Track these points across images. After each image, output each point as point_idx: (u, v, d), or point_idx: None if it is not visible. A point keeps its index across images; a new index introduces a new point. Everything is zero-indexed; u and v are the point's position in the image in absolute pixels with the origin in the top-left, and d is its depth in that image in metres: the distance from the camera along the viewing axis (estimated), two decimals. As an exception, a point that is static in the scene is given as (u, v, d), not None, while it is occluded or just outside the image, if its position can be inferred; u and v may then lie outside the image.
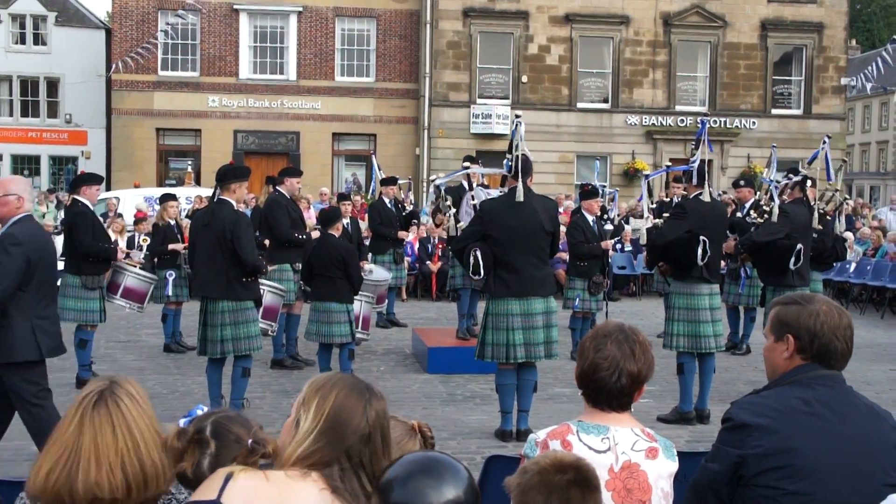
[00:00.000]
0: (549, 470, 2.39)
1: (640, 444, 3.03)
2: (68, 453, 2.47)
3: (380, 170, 15.11)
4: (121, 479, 2.46)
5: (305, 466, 2.24)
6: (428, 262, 17.46)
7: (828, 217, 11.02)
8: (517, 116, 8.07)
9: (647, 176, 13.05)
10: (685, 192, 9.52)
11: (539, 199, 7.87)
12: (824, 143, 11.18)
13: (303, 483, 2.21)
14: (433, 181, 11.22)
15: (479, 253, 7.55)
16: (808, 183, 10.50)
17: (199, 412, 2.75)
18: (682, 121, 29.42)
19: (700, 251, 8.22)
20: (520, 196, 7.60)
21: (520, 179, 7.67)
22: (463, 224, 9.30)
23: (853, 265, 16.96)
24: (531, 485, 2.39)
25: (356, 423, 2.32)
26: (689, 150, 10.33)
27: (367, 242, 13.92)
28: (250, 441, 2.42)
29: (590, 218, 11.45)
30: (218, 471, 2.21)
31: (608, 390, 3.04)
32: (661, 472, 3.03)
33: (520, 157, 7.73)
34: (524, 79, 29.06)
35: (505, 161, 8.03)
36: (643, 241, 9.11)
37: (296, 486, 2.18)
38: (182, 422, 2.73)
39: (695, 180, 8.65)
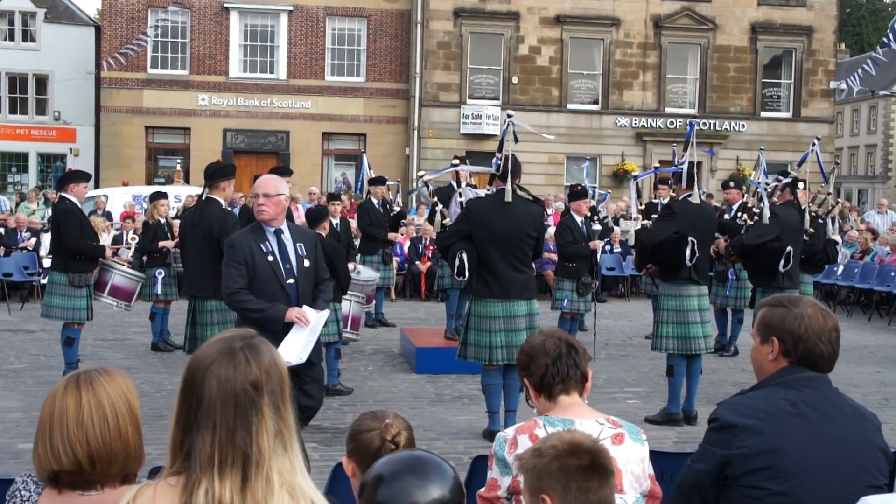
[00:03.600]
0: (566, 454, 2.36)
1: (605, 431, 3.16)
2: (42, 431, 2.53)
3: (370, 169, 15.09)
4: (82, 452, 2.48)
5: (180, 461, 2.08)
6: (417, 263, 17.45)
7: (819, 220, 11.05)
8: (509, 116, 8.07)
9: (635, 177, 13.08)
10: (674, 194, 9.54)
11: (525, 203, 7.86)
12: (814, 144, 11.22)
13: (173, 490, 2.06)
14: (421, 177, 11.22)
15: (464, 255, 7.57)
16: (801, 185, 10.54)
17: None
18: (672, 123, 29.48)
19: (688, 252, 8.24)
20: (508, 196, 7.61)
21: (508, 180, 7.67)
22: (449, 222, 9.30)
23: (841, 268, 17.01)
24: (549, 470, 2.36)
25: (208, 403, 2.04)
26: (675, 152, 10.37)
27: (356, 243, 13.89)
28: None
29: (578, 219, 11.46)
30: (122, 499, 2.13)
31: (568, 365, 3.30)
32: (630, 456, 3.13)
33: (509, 157, 7.73)
34: (514, 80, 29.09)
35: (494, 160, 8.03)
36: (631, 242, 9.13)
37: (171, 497, 2.05)
38: None
39: (684, 182, 8.67)
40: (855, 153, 57.62)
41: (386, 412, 3.04)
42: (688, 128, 9.28)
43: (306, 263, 6.15)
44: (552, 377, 3.29)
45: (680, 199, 8.73)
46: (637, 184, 11.94)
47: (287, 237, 6.13)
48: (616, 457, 2.97)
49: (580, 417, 3.20)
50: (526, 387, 3.40)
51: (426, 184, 11.40)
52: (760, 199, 9.97)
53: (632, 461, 3.13)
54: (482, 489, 3.22)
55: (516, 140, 7.94)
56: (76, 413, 2.50)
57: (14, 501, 2.62)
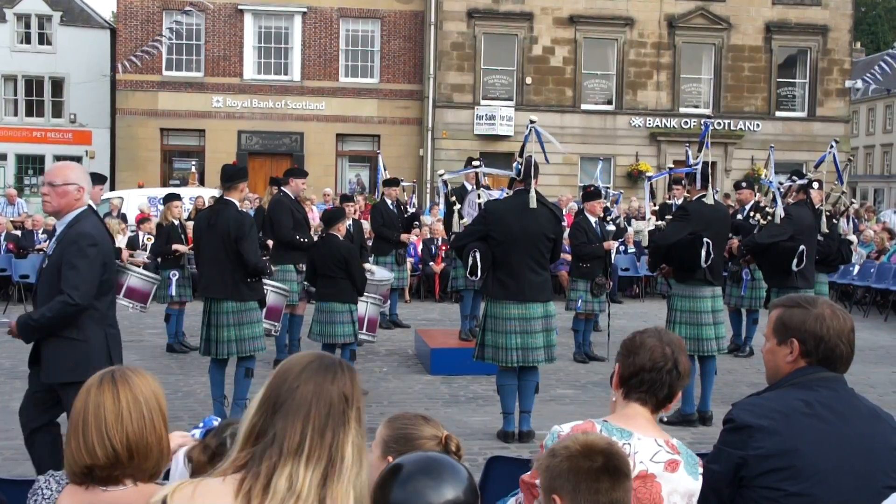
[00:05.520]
0: (579, 455, 2.36)
1: (660, 455, 2.94)
2: (75, 426, 2.58)
3: (385, 169, 15.10)
4: (120, 445, 2.54)
5: (252, 446, 2.09)
6: (431, 264, 17.45)
7: (834, 220, 11.01)
8: (531, 122, 8.06)
9: (649, 178, 13.05)
10: (687, 195, 9.52)
11: (544, 205, 7.86)
12: (832, 146, 11.18)
13: (229, 486, 2.05)
14: (441, 175, 11.23)
15: (477, 254, 7.57)
16: (816, 185, 10.51)
17: (215, 423, 2.77)
18: (686, 123, 29.40)
19: (703, 253, 8.22)
20: (532, 203, 7.60)
21: (533, 185, 7.66)
22: (466, 221, 9.32)
23: (857, 268, 16.93)
24: (560, 471, 2.36)
25: (284, 393, 2.10)
26: (689, 153, 10.42)
27: (369, 244, 13.92)
28: None
29: (592, 219, 11.45)
30: (153, 498, 2.11)
31: (661, 382, 3.01)
32: (677, 486, 2.92)
33: (531, 159, 7.73)
34: (528, 80, 29.07)
35: (515, 165, 8.04)
36: (644, 242, 9.10)
37: (222, 492, 2.04)
38: (196, 433, 2.74)
39: (698, 183, 8.65)
40: (871, 152, 57.31)
41: (430, 417, 2.92)
42: (702, 128, 9.26)
43: (44, 264, 5.44)
44: (639, 383, 3.05)
45: (694, 199, 8.71)
46: (651, 184, 11.90)
47: (57, 234, 5.44)
48: (662, 484, 2.89)
49: (640, 432, 2.97)
50: (615, 369, 3.15)
51: (445, 183, 11.43)
52: (774, 200, 9.94)
53: (677, 492, 2.92)
54: (526, 474, 3.12)
55: (543, 147, 7.94)
56: (114, 407, 2.56)
57: (35, 499, 2.66)
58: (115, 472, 2.56)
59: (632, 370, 3.04)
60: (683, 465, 2.96)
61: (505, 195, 9.33)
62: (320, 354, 2.20)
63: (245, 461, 2.07)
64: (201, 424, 2.78)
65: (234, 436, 2.55)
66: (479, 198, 9.49)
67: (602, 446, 2.40)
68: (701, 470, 3.03)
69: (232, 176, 8.30)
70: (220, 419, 2.85)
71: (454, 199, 10.46)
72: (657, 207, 12.67)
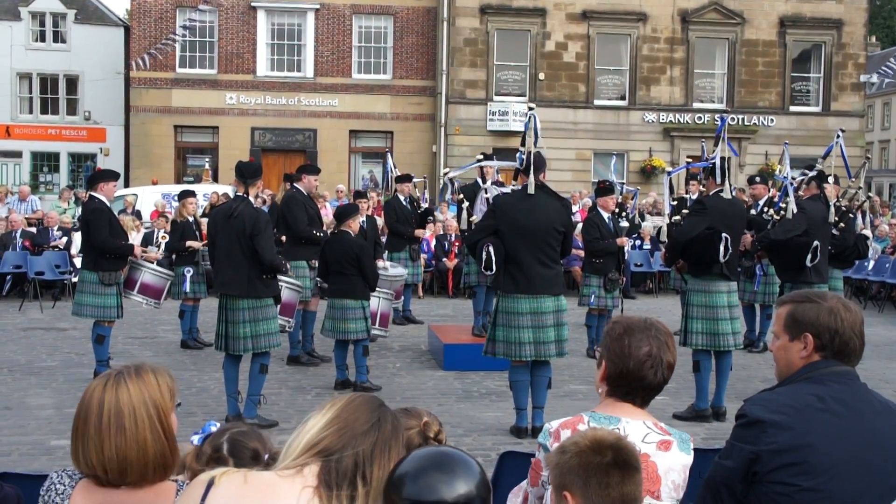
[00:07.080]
0: (588, 451, 2.37)
1: (651, 436, 2.99)
2: (74, 431, 2.64)
3: (395, 167, 15.12)
4: (96, 460, 2.57)
5: (313, 455, 2.14)
6: (444, 259, 17.46)
7: (850, 215, 10.95)
8: (530, 109, 8.04)
9: (668, 173, 12.98)
10: (703, 189, 9.49)
11: (552, 198, 7.85)
12: (838, 136, 11.10)
13: (288, 482, 2.09)
14: (446, 173, 11.24)
15: (491, 248, 7.57)
16: (830, 180, 10.44)
17: (213, 429, 2.77)
18: (700, 118, 29.30)
19: (722, 248, 8.20)
20: (530, 189, 7.59)
21: (531, 174, 7.66)
22: (476, 218, 9.32)
23: (872, 263, 16.86)
24: (570, 466, 2.37)
25: (364, 422, 2.21)
26: (704, 148, 10.38)
27: (383, 239, 13.94)
28: (267, 456, 2.43)
29: (605, 215, 11.44)
30: (199, 477, 2.14)
31: (649, 387, 3.04)
32: (673, 464, 2.99)
33: (531, 152, 7.72)
34: (541, 76, 29.02)
35: (518, 155, 8.03)
36: (663, 237, 9.04)
37: (279, 487, 2.08)
38: (195, 439, 2.75)
39: (717, 178, 8.63)
40: (886, 147, 56.95)
41: (418, 409, 3.00)
42: (719, 123, 9.23)
43: None
44: (627, 392, 3.06)
45: (711, 194, 8.69)
46: (670, 179, 11.83)
47: None
48: (657, 463, 2.94)
49: (628, 416, 3.02)
50: (600, 361, 3.11)
51: (451, 181, 11.42)
52: (786, 194, 9.89)
53: (674, 470, 2.98)
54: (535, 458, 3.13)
55: (537, 136, 7.90)
56: (97, 419, 2.58)
57: (49, 495, 2.67)
58: (112, 478, 2.58)
59: (620, 375, 3.04)
60: (676, 444, 3.01)
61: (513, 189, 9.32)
62: (369, 397, 2.31)
63: (303, 465, 2.11)
64: (201, 430, 2.79)
65: (232, 441, 2.56)
66: (486, 193, 9.47)
67: (611, 441, 2.40)
68: (693, 446, 3.07)
69: (255, 172, 8.33)
70: (218, 424, 2.86)
71: (462, 196, 10.47)
72: (675, 202, 12.60)
